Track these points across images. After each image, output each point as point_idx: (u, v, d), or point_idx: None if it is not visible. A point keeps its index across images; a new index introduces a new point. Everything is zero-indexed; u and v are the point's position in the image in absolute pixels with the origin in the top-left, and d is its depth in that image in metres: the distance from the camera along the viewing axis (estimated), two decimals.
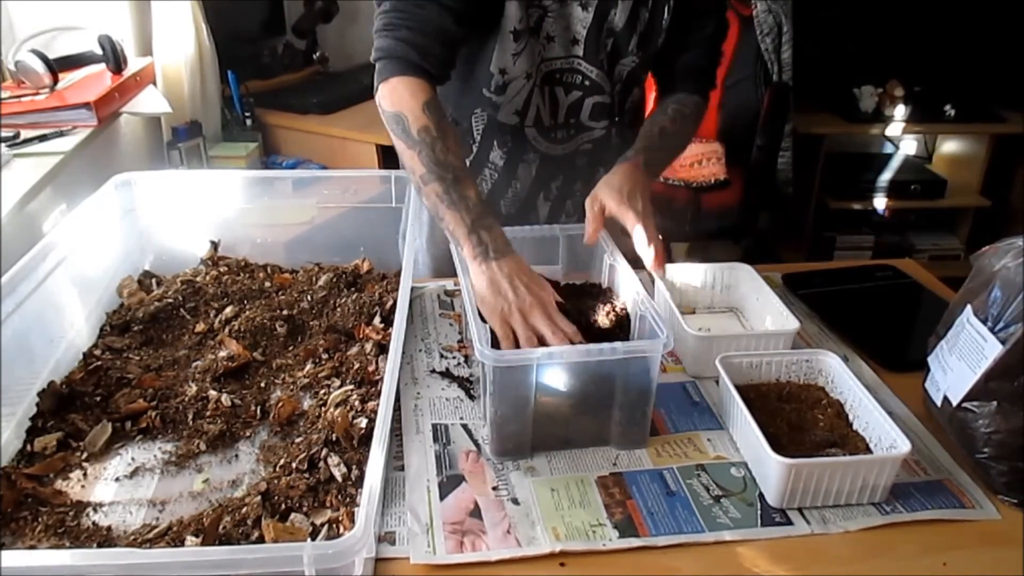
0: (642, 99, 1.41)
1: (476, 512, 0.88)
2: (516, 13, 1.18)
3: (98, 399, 1.02)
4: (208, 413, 1.00)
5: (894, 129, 3.23)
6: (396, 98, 1.10)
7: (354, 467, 0.89)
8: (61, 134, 1.71)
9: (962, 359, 0.93)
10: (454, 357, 1.16)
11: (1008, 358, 0.86)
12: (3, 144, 1.61)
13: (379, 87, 1.13)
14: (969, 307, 0.93)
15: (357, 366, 1.06)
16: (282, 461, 0.91)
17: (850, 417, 0.99)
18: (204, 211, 1.38)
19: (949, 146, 3.51)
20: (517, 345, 0.96)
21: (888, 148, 3.56)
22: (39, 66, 1.81)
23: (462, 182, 1.06)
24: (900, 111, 3.23)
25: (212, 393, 1.03)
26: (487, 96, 1.28)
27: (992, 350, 0.88)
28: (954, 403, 0.93)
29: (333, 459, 0.90)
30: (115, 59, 1.98)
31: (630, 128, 1.40)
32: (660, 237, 1.10)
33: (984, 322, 0.90)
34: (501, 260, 1.02)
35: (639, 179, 1.16)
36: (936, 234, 3.48)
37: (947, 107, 3.22)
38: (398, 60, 1.12)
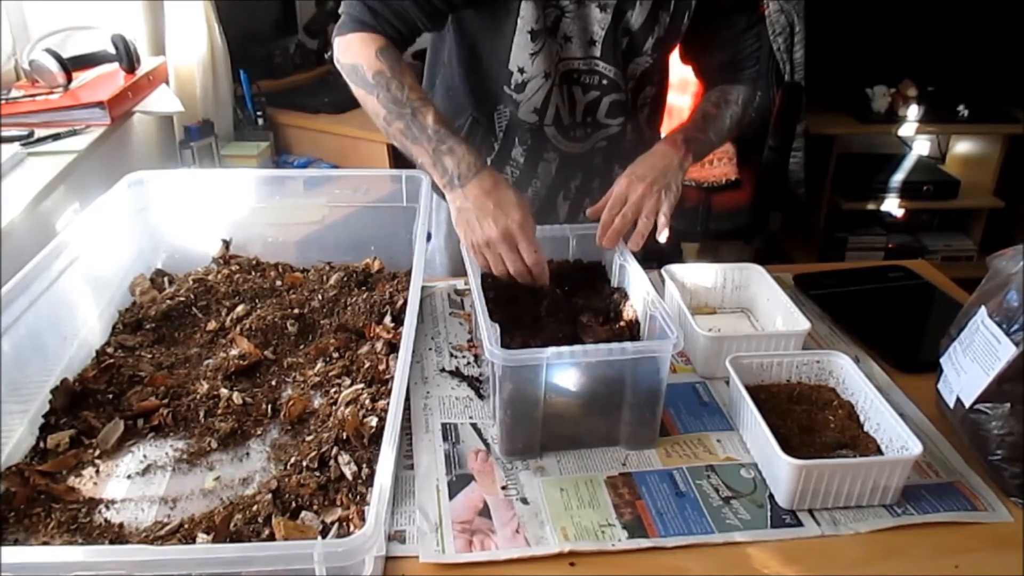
0: (658, 96, 1.41)
1: (485, 511, 0.88)
2: (532, 13, 1.19)
3: (110, 397, 1.03)
4: (219, 411, 1.01)
5: (907, 129, 3.21)
6: (351, 50, 1.15)
7: (364, 466, 0.90)
8: (74, 133, 1.72)
9: (975, 361, 0.92)
10: (464, 356, 1.16)
11: (1022, 361, 0.86)
12: (17, 143, 1.62)
13: (335, 43, 1.19)
14: (984, 308, 0.93)
15: (367, 365, 1.07)
16: (293, 459, 0.91)
17: (861, 418, 0.99)
18: (216, 210, 1.38)
19: (962, 147, 3.48)
20: (498, 275, 1.01)
21: (901, 149, 3.54)
22: (53, 65, 1.83)
23: (420, 112, 1.08)
24: (913, 111, 3.21)
25: (223, 391, 1.03)
26: (508, 93, 1.29)
27: (1006, 352, 0.87)
28: (967, 405, 0.93)
29: (343, 458, 0.90)
30: (128, 58, 1.99)
31: (646, 124, 1.40)
32: (630, 218, 1.11)
33: (999, 324, 0.89)
34: (467, 185, 1.03)
35: (669, 160, 1.16)
36: (949, 235, 3.46)
37: (960, 107, 3.20)
38: (355, 20, 1.17)
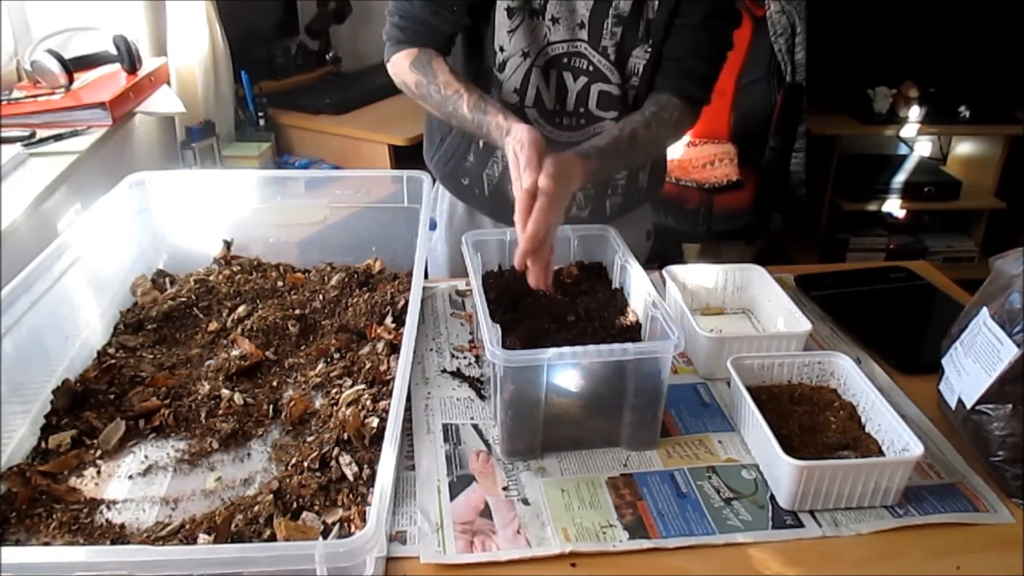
0: None
1: (486, 512, 0.88)
2: None
3: (112, 397, 1.03)
4: (221, 412, 1.01)
5: (908, 130, 3.21)
6: (397, 71, 1.28)
7: (365, 466, 0.90)
8: (76, 134, 1.72)
9: (977, 361, 0.92)
10: (465, 357, 1.16)
11: None
12: (19, 143, 1.62)
13: (388, 68, 1.31)
14: (986, 310, 0.93)
15: (369, 366, 1.07)
16: (294, 460, 0.91)
17: (863, 419, 0.99)
18: (217, 211, 1.38)
19: (964, 147, 3.49)
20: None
21: (902, 149, 3.55)
22: (55, 66, 1.83)
23: (457, 105, 1.19)
24: (914, 112, 3.21)
25: (225, 392, 1.03)
26: (495, 74, 1.31)
27: (1008, 353, 0.87)
28: (968, 406, 0.93)
29: (345, 458, 0.90)
30: (130, 59, 2.00)
31: None
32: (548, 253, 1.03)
33: (1001, 326, 0.89)
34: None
35: (574, 174, 1.06)
36: (950, 236, 3.46)
37: (962, 108, 3.20)
38: (391, 41, 1.28)
